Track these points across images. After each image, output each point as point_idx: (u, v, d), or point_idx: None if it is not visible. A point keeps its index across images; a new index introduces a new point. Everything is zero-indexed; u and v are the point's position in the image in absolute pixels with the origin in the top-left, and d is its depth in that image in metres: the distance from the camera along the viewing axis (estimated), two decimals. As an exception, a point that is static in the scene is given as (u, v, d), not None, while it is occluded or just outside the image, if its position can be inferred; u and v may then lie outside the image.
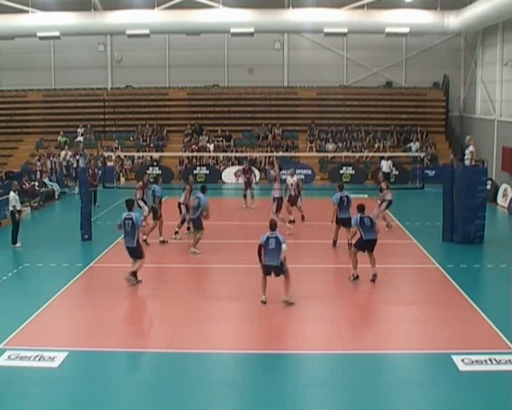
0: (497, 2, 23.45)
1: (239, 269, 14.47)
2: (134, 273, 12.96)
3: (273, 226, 11.87)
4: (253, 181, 22.98)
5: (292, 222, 18.41)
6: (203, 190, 16.11)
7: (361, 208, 13.36)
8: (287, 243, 11.89)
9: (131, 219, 12.78)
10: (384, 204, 18.32)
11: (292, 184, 18.64)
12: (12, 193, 16.94)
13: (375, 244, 13.27)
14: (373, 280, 13.19)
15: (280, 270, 11.65)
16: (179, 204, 17.32)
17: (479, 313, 11.32)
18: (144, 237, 15.91)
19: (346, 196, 16.15)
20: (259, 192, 23.64)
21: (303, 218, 18.69)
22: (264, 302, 11.74)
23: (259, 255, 11.72)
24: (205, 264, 15.24)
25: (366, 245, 13.21)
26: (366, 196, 25.04)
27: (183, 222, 17.40)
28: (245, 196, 22.26)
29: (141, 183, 18.21)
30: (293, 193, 18.61)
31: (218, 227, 18.39)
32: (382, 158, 26.57)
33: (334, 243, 16.40)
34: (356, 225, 13.24)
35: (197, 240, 15.78)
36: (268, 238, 11.64)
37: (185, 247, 16.49)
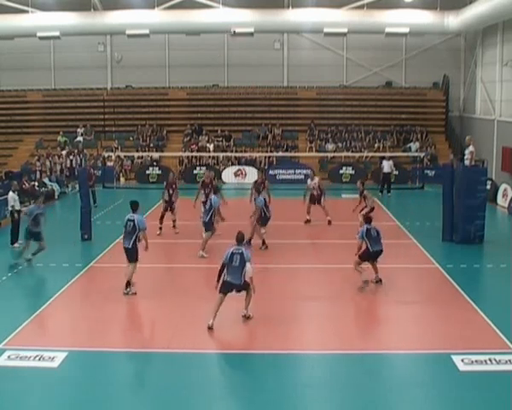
0: (497, 2, 23.45)
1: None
2: (128, 283, 12.49)
3: (240, 239, 10.96)
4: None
5: (308, 221, 19.31)
6: (215, 191, 16.27)
7: (368, 220, 13.15)
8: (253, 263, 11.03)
9: (133, 221, 12.49)
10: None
11: (314, 187, 19.55)
12: (11, 193, 16.98)
13: (381, 254, 12.95)
14: (378, 281, 12.93)
15: (242, 288, 10.80)
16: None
17: (479, 313, 11.32)
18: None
19: None
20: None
21: (329, 222, 19.05)
22: (210, 328, 10.47)
23: (219, 275, 10.76)
24: (204, 264, 15.22)
25: (372, 256, 12.87)
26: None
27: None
28: None
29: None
30: (315, 193, 19.47)
31: (218, 227, 18.37)
32: (383, 158, 26.55)
33: None
34: (362, 238, 12.79)
35: (205, 241, 15.48)
36: (233, 254, 10.64)
37: (184, 247, 16.50)
